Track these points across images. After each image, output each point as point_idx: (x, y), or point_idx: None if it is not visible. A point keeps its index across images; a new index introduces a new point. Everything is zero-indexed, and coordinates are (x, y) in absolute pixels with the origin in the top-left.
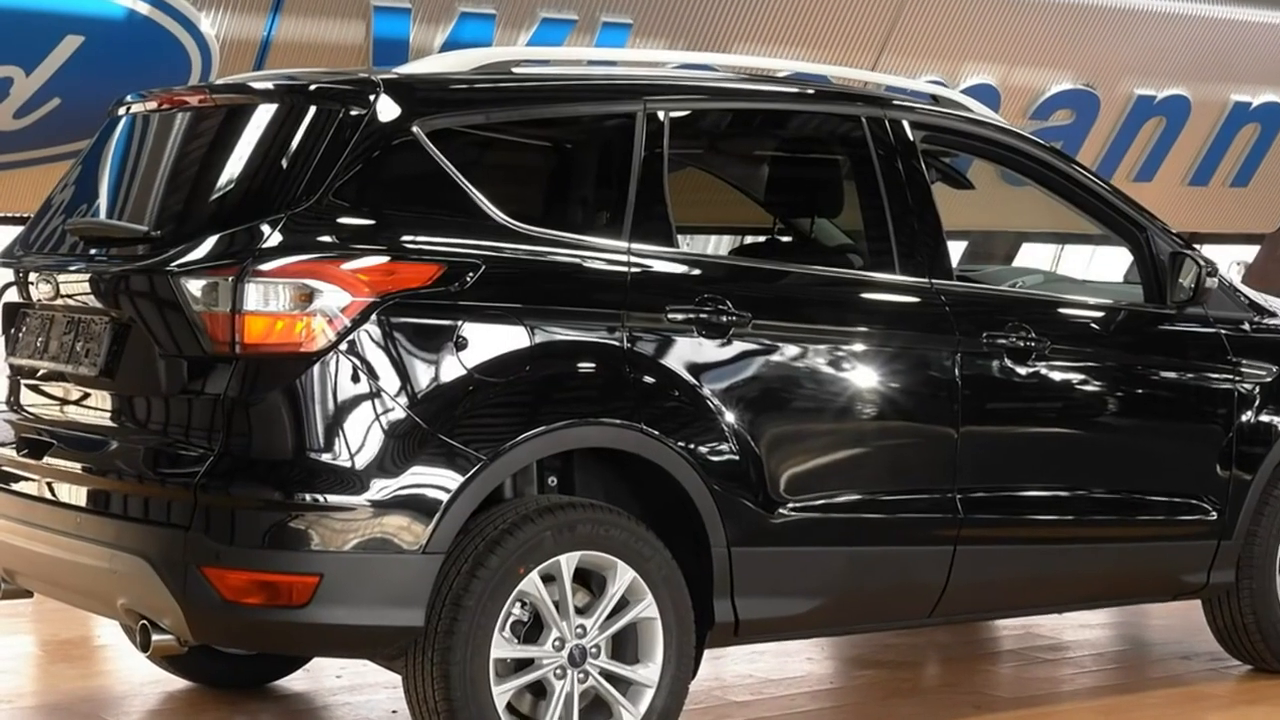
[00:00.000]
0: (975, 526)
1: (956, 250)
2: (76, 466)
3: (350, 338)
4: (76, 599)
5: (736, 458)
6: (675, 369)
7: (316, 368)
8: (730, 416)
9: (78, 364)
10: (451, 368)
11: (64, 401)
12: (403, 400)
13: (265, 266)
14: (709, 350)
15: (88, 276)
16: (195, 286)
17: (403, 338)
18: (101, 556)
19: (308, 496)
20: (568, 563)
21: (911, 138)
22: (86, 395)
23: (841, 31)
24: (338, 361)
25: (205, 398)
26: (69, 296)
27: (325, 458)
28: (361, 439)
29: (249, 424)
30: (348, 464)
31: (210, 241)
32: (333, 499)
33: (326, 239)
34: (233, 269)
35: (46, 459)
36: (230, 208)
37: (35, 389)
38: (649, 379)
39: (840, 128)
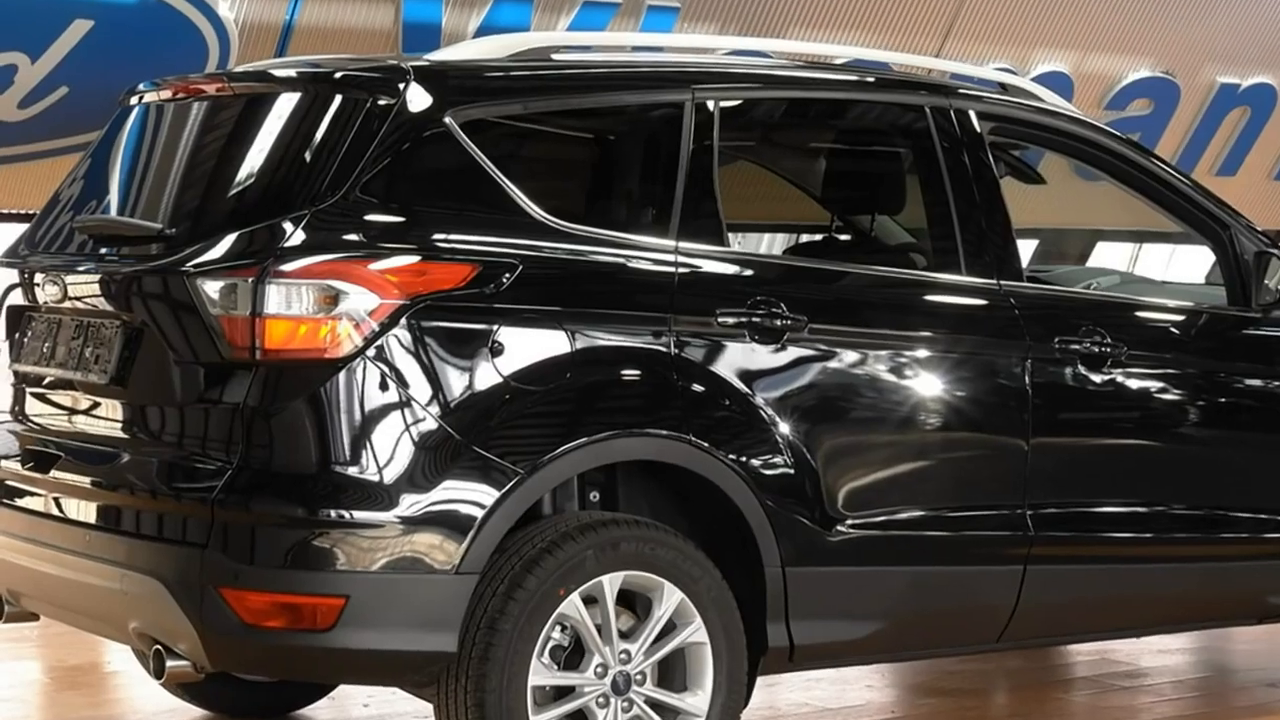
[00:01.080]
0: (1047, 545)
1: (1027, 249)
2: (85, 481)
3: (378, 343)
4: (85, 622)
5: (791, 471)
6: (726, 376)
7: (342, 375)
8: (785, 427)
9: (87, 371)
10: (486, 375)
11: (72, 411)
12: (434, 410)
13: (287, 267)
14: (762, 356)
15: (97, 278)
16: (212, 288)
17: (434, 343)
18: (112, 577)
19: (333, 513)
20: (611, 584)
21: (978, 129)
22: (96, 404)
23: (903, 15)
24: (365, 368)
25: (223, 407)
26: (77, 299)
27: (351, 471)
28: (390, 451)
29: (270, 435)
30: (375, 478)
31: (228, 240)
32: (359, 515)
33: (353, 237)
34: (253, 269)
35: (53, 472)
36: (250, 204)
37: (41, 398)
38: (698, 387)
39: (902, 118)
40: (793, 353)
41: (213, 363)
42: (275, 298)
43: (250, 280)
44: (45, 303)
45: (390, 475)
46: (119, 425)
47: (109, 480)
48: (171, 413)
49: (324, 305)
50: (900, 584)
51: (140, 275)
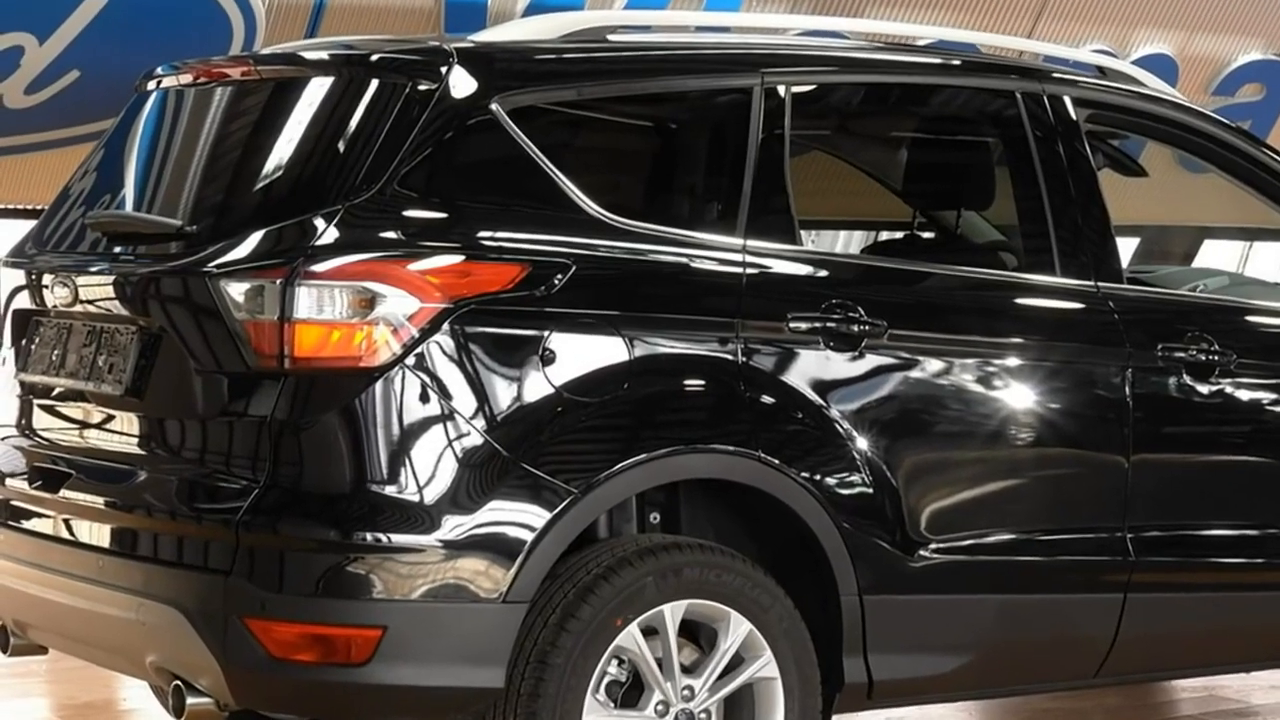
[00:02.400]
0: (1149, 571)
1: (1127, 249)
2: (98, 501)
3: (418, 350)
4: (98, 655)
5: (870, 491)
6: (798, 387)
7: (379, 385)
8: (862, 442)
9: (100, 381)
10: (536, 385)
11: (83, 425)
12: (479, 423)
13: (319, 267)
14: (837, 365)
15: (111, 279)
16: (237, 291)
17: (479, 350)
18: (127, 606)
19: (368, 536)
20: (672, 613)
21: (1074, 117)
22: (110, 418)
23: None
24: (404, 378)
25: (248, 420)
26: (90, 302)
27: (389, 491)
28: (431, 469)
29: (300, 451)
30: (415, 498)
31: (255, 238)
32: (398, 539)
33: (391, 235)
34: (281, 270)
35: (63, 492)
36: (278, 199)
37: (50, 410)
38: (767, 399)
39: (991, 105)
40: (871, 361)
41: (237, 372)
42: (306, 301)
43: (278, 282)
44: (54, 306)
45: (431, 495)
46: (135, 440)
47: (124, 500)
48: (192, 427)
49: (359, 309)
50: (989, 614)
51: (158, 276)
